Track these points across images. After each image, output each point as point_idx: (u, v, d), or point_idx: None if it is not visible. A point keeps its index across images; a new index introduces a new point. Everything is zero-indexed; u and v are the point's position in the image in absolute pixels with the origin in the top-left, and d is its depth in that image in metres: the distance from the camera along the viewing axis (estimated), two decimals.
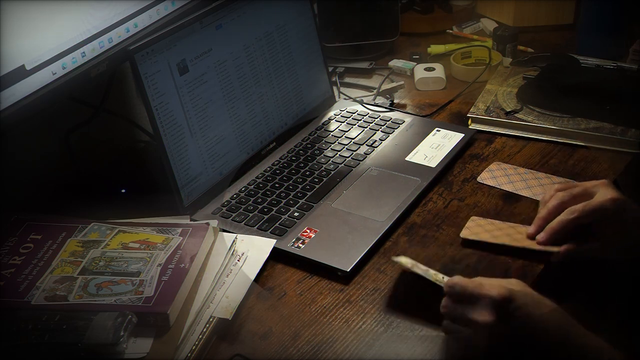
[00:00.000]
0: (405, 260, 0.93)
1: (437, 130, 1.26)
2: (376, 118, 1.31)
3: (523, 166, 1.17)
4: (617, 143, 1.20)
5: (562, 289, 1.10)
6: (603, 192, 0.96)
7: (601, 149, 1.20)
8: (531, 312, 0.82)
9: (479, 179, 1.14)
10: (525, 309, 0.81)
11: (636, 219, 0.95)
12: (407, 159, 1.20)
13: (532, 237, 1.00)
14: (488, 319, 0.81)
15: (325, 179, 1.16)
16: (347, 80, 1.48)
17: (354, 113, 1.33)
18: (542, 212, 1.00)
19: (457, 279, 0.85)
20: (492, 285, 0.82)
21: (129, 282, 0.90)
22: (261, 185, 1.15)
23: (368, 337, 0.89)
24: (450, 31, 1.65)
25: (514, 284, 0.84)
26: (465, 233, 1.02)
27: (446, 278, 0.95)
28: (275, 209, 1.09)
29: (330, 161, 1.20)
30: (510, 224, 1.04)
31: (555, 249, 0.97)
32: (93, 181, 1.18)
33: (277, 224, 1.06)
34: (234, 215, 1.09)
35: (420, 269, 0.92)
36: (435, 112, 1.35)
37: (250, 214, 1.08)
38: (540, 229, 0.99)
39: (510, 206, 1.09)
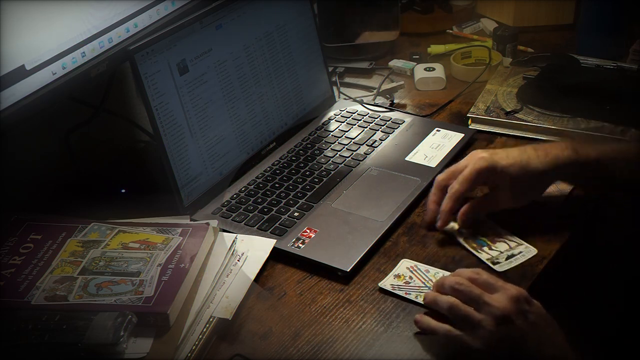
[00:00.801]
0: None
1: (437, 130, 1.26)
2: (376, 118, 1.31)
3: None
4: None
5: (561, 289, 1.10)
6: (472, 157, 1.02)
7: None
8: (546, 314, 0.84)
9: None
10: (540, 311, 0.84)
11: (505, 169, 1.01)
12: (407, 159, 1.20)
13: (429, 225, 1.04)
14: (504, 306, 0.82)
15: (325, 179, 1.16)
16: (347, 80, 1.48)
17: (354, 113, 1.33)
18: (430, 198, 1.05)
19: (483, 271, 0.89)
20: (513, 285, 0.86)
21: (129, 282, 0.90)
22: (261, 185, 1.15)
23: (368, 337, 0.89)
24: (450, 31, 1.65)
25: None
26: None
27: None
28: (275, 209, 1.09)
29: (330, 161, 1.20)
30: None
31: (455, 224, 1.04)
32: (93, 181, 1.18)
33: (277, 224, 1.06)
34: (234, 215, 1.09)
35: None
36: (435, 112, 1.35)
37: (250, 214, 1.08)
38: (434, 216, 1.04)
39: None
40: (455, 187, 1.01)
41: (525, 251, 1.00)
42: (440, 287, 0.89)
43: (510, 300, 0.83)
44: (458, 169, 1.03)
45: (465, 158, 1.04)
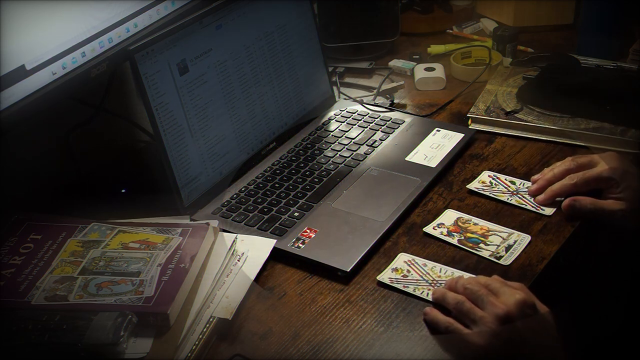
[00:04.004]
0: None
1: (437, 130, 1.26)
2: (376, 118, 1.31)
3: (523, 166, 1.17)
4: (617, 143, 1.20)
5: (561, 289, 1.10)
6: (605, 163, 1.04)
7: (601, 149, 1.20)
8: (551, 324, 0.86)
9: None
10: (543, 320, 0.85)
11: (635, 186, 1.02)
12: (407, 159, 1.20)
13: (533, 194, 1.08)
14: (507, 307, 0.84)
15: (325, 179, 1.16)
16: (347, 80, 1.48)
17: (354, 113, 1.33)
18: (548, 174, 1.08)
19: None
20: (523, 291, 0.87)
21: (129, 282, 0.90)
22: (261, 185, 1.15)
23: (368, 337, 0.89)
24: (450, 31, 1.65)
25: None
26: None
27: (445, 270, 0.96)
28: (275, 209, 1.09)
29: (330, 161, 1.20)
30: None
31: (550, 208, 1.06)
32: (93, 181, 1.18)
33: (277, 224, 1.06)
34: (234, 215, 1.09)
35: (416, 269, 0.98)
36: (435, 112, 1.35)
37: (250, 214, 1.09)
38: (542, 189, 1.07)
39: (510, 207, 1.09)
40: (575, 179, 1.04)
41: (520, 239, 1.01)
42: (452, 286, 0.91)
43: (515, 304, 0.84)
44: (592, 161, 1.05)
45: (599, 155, 1.06)
